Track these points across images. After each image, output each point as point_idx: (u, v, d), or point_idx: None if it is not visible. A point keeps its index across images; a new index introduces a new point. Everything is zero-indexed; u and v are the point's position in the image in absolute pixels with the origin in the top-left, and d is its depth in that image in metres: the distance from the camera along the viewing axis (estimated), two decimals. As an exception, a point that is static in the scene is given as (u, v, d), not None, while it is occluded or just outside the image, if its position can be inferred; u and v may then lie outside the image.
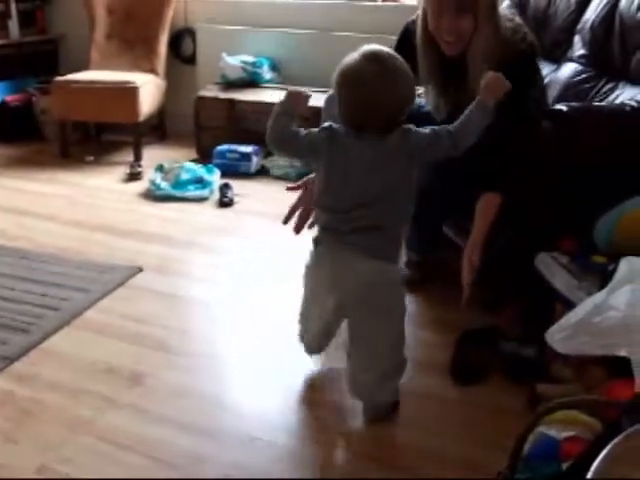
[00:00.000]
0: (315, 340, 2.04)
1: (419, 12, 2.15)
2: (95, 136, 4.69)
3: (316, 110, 3.75)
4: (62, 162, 4.14)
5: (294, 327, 2.16)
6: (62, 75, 4.24)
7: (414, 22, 2.22)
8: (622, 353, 1.28)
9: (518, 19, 2.23)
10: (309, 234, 1.96)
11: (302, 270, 1.94)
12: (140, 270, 2.69)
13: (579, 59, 2.83)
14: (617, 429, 0.81)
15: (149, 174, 3.76)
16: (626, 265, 1.42)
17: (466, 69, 2.08)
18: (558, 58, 2.91)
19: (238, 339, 2.31)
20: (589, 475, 0.68)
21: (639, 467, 0.68)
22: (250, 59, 4.26)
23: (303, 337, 2.08)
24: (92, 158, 4.20)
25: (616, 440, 0.72)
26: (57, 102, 4.15)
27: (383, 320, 1.80)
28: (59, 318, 2.32)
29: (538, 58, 2.27)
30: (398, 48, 2.13)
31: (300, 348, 2.09)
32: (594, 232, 2.15)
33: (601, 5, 2.75)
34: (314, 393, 2.01)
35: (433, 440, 1.78)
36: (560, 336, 1.41)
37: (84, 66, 4.43)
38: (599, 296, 1.41)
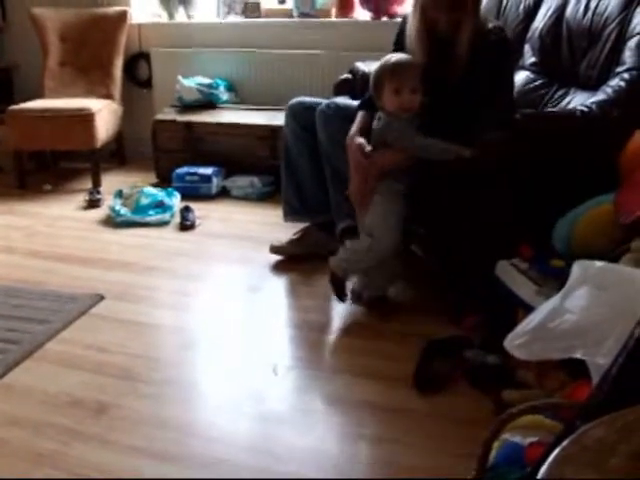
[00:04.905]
0: None
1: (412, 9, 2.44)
2: (52, 164, 4.63)
3: (274, 128, 3.79)
4: (19, 192, 4.08)
5: (260, 351, 2.12)
6: (17, 104, 4.19)
7: (404, 21, 2.57)
8: (578, 355, 1.30)
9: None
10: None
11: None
12: (101, 298, 2.65)
13: (530, 67, 2.88)
14: (572, 430, 0.82)
15: (109, 200, 3.73)
16: (579, 268, 1.43)
17: (454, 48, 2.36)
18: (510, 67, 2.95)
19: (204, 365, 2.30)
20: (538, 477, 0.68)
21: (587, 468, 0.68)
22: (206, 81, 4.26)
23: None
24: (50, 187, 4.15)
25: (565, 442, 0.73)
26: (12, 132, 4.10)
27: None
28: (20, 351, 2.27)
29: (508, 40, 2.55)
30: (396, 42, 2.60)
31: (269, 370, 2.14)
32: (552, 237, 2.18)
33: (548, 13, 2.81)
34: (281, 413, 2.00)
35: (401, 453, 1.78)
36: (518, 342, 1.42)
37: (39, 94, 4.38)
38: (554, 300, 1.43)
